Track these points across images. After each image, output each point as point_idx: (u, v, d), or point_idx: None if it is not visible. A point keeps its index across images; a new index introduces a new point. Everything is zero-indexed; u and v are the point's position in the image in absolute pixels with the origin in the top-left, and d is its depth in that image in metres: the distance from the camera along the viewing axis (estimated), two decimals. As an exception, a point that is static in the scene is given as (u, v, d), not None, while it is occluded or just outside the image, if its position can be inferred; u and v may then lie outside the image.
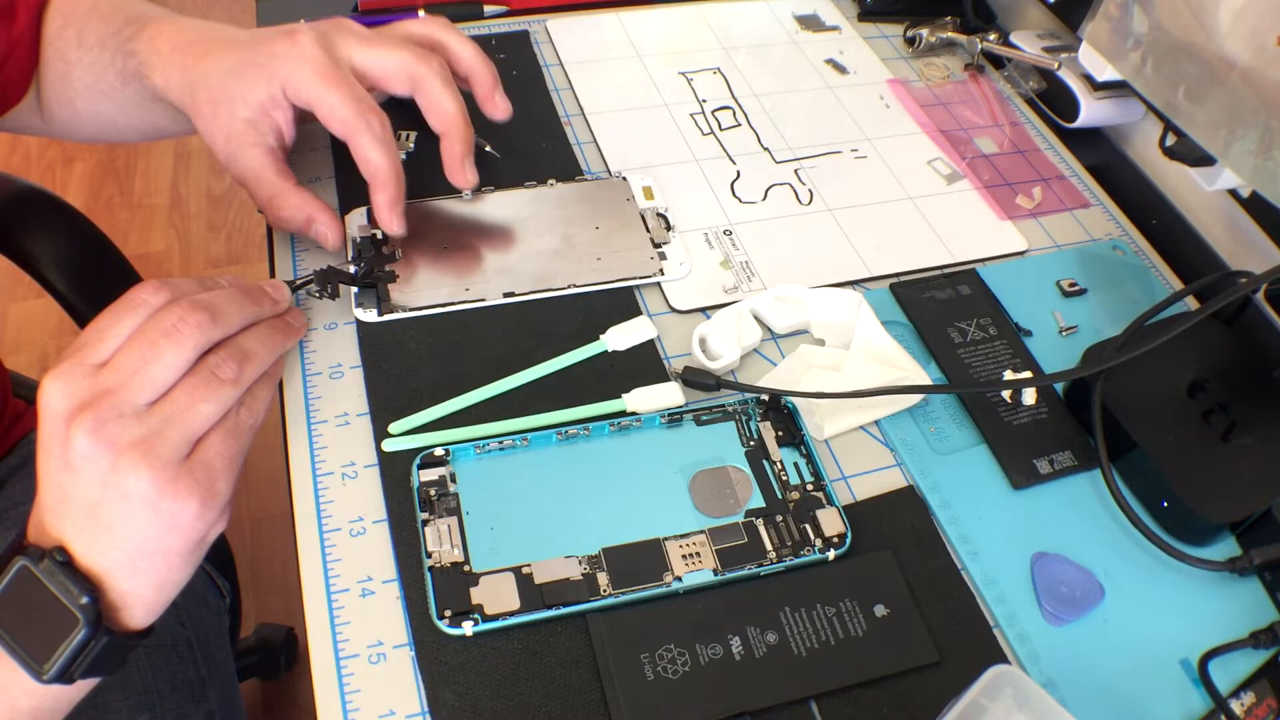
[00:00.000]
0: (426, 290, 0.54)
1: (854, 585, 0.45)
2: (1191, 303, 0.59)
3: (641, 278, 0.57)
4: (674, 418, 0.50)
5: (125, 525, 0.38)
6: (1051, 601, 0.46)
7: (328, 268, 0.52)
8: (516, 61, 0.71)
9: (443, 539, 0.44)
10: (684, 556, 0.45)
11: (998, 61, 0.76)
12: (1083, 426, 0.52)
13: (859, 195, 0.65)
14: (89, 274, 0.73)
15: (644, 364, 0.53)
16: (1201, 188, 0.60)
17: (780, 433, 0.50)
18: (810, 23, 0.79)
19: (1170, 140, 0.61)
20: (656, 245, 0.58)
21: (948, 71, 0.76)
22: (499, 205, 0.59)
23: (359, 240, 0.55)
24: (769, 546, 0.46)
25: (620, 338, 0.53)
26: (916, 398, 0.52)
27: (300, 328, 0.48)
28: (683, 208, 0.62)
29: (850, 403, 0.51)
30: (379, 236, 0.56)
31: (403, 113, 0.56)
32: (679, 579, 0.44)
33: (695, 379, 0.51)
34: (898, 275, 0.60)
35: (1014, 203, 0.66)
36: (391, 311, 0.53)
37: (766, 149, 0.67)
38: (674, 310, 0.56)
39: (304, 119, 0.52)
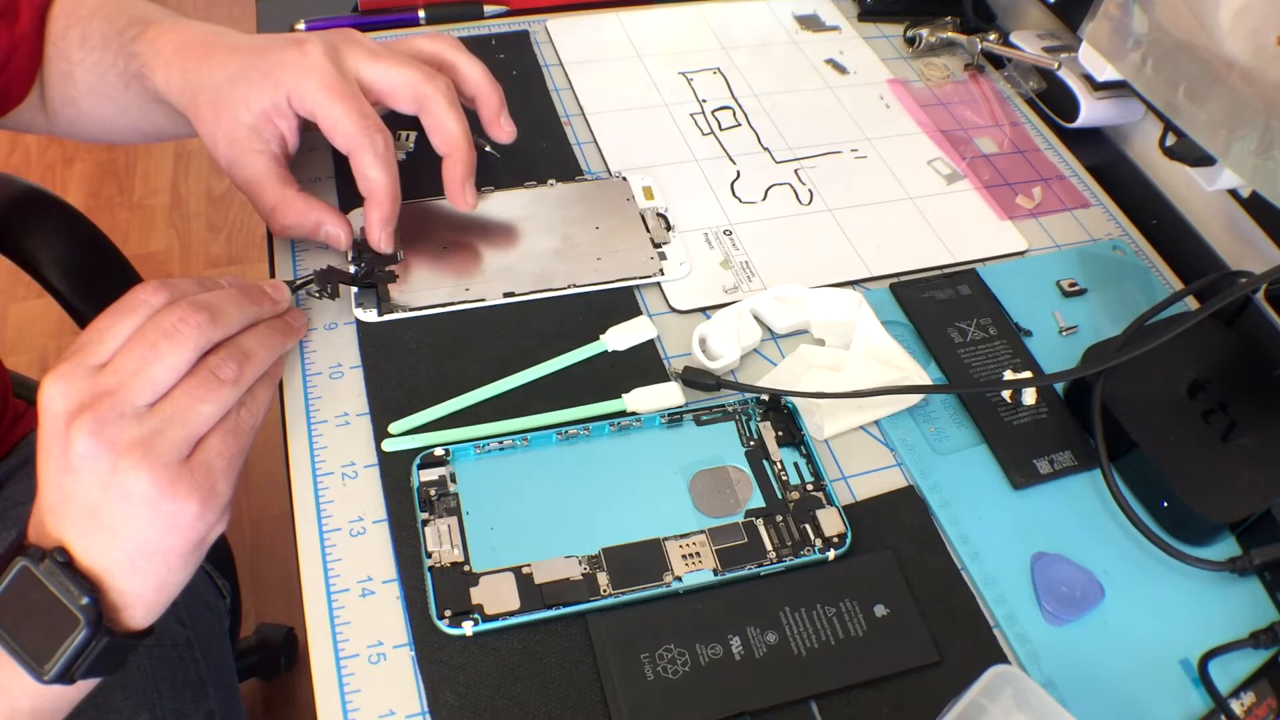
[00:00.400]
0: (426, 290, 0.54)
1: (854, 585, 0.45)
2: (1191, 303, 0.59)
3: (641, 278, 0.57)
4: (674, 418, 0.50)
5: (125, 526, 0.38)
6: (1051, 601, 0.46)
7: (328, 268, 0.52)
8: (516, 61, 0.71)
9: (443, 539, 0.44)
10: (684, 556, 0.45)
11: (998, 61, 0.76)
12: (1083, 426, 0.52)
13: (859, 195, 0.65)
14: (89, 274, 0.73)
15: (644, 364, 0.53)
16: (1201, 188, 0.60)
17: (780, 433, 0.50)
18: (810, 23, 0.79)
19: (1170, 140, 0.61)
20: (656, 245, 0.58)
21: (948, 71, 0.76)
22: (499, 205, 0.59)
23: (359, 240, 0.55)
24: (769, 546, 0.46)
25: (620, 338, 0.53)
26: (916, 398, 0.52)
27: (300, 328, 0.48)
28: (683, 208, 0.62)
29: (850, 403, 0.51)
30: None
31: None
32: (679, 579, 0.44)
33: (695, 379, 0.51)
34: (898, 275, 0.60)
35: (1014, 203, 0.66)
36: (391, 311, 0.53)
37: (766, 149, 0.67)
38: (674, 310, 0.56)
39: (306, 126, 0.52)
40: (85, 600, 0.37)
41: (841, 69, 0.75)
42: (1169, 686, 0.44)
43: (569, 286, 0.55)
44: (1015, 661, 0.44)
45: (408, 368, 0.51)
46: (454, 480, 0.46)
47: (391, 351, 0.52)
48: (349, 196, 0.59)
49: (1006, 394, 0.53)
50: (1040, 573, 0.47)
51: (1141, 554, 0.48)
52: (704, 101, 0.70)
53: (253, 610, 1.23)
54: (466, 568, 0.43)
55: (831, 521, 0.47)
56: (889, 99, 0.72)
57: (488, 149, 0.62)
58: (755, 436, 0.50)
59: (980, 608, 0.46)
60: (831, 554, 0.46)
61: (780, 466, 0.49)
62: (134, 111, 0.56)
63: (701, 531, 0.46)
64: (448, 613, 0.42)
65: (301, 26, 0.70)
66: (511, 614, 0.42)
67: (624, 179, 0.62)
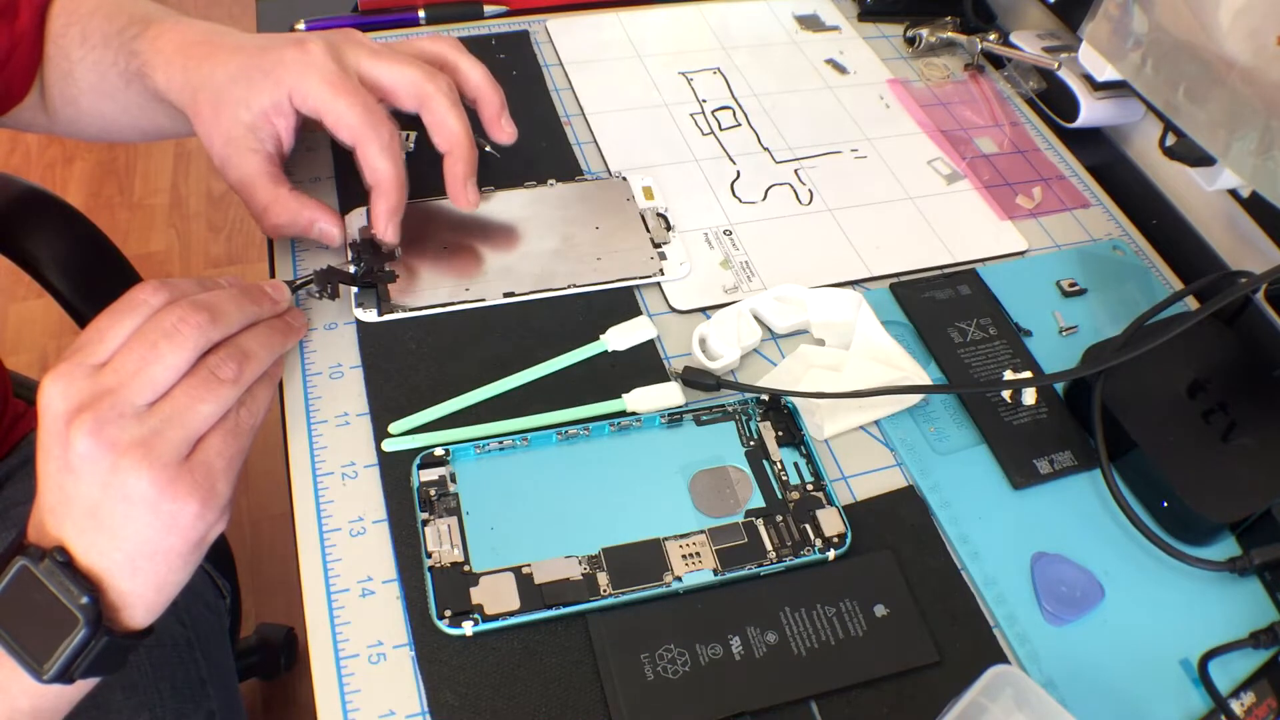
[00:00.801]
0: (426, 290, 0.54)
1: (854, 585, 0.45)
2: (1191, 303, 0.59)
3: (641, 278, 0.57)
4: (674, 418, 0.50)
5: (125, 526, 0.38)
6: (1051, 601, 0.46)
7: (328, 268, 0.52)
8: (516, 61, 0.71)
9: (443, 539, 0.44)
10: (684, 556, 0.45)
11: (998, 61, 0.76)
12: (1083, 426, 0.52)
13: (859, 195, 0.65)
14: (89, 274, 0.73)
15: (644, 364, 0.53)
16: (1201, 188, 0.60)
17: (780, 433, 0.50)
18: (810, 23, 0.79)
19: (1170, 140, 0.61)
20: (656, 245, 0.58)
21: (948, 71, 0.76)
22: (499, 205, 0.59)
23: (359, 240, 0.55)
24: (769, 546, 0.46)
25: (620, 338, 0.53)
26: (916, 398, 0.52)
27: (300, 328, 0.48)
28: (683, 208, 0.62)
29: (850, 403, 0.51)
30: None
31: (403, 112, 0.56)
32: (679, 579, 0.44)
33: (695, 379, 0.51)
34: (898, 275, 0.60)
35: (1014, 203, 0.66)
36: (391, 311, 0.53)
37: (766, 149, 0.67)
38: (674, 310, 0.56)
39: (308, 127, 0.52)
40: (85, 600, 0.37)
41: (841, 69, 0.75)
42: (1169, 686, 0.44)
43: (569, 286, 0.55)
44: (1015, 661, 0.44)
45: (408, 368, 0.51)
46: (454, 480, 0.46)
47: (391, 351, 0.52)
48: (348, 196, 0.59)
49: (1006, 394, 0.53)
50: (1040, 573, 0.47)
51: (1141, 554, 0.48)
52: (704, 101, 0.70)
53: (253, 610, 1.23)
54: (466, 568, 0.43)
55: (831, 521, 0.47)
56: (889, 99, 0.72)
57: (488, 149, 0.62)
58: (755, 436, 0.50)
59: (980, 608, 0.46)
60: (831, 554, 0.46)
61: (780, 466, 0.49)
62: (134, 110, 0.56)
63: (701, 531, 0.46)
64: (448, 613, 0.42)
65: (302, 26, 0.70)
66: (511, 614, 0.42)
67: (624, 179, 0.62)
